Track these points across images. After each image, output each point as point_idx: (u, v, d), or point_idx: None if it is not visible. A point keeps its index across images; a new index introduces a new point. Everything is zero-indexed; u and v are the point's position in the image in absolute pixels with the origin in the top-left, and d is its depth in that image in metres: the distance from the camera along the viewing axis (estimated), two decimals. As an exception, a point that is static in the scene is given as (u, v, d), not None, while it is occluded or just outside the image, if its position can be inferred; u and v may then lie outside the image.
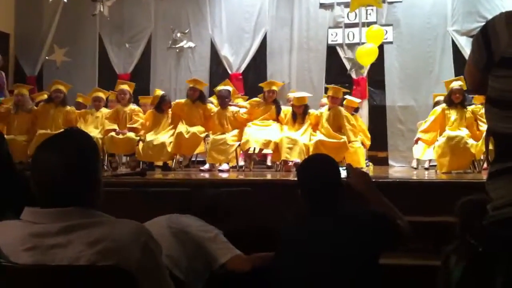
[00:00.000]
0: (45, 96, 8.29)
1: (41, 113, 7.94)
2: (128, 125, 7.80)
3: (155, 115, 7.88)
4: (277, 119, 7.80)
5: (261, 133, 7.44)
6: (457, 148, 6.73)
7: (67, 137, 1.59)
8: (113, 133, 7.62)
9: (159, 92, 8.09)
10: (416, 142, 7.64)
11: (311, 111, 7.83)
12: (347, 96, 8.12)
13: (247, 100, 8.53)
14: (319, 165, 2.60)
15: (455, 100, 7.18)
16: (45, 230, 1.45)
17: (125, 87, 8.10)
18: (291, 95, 8.53)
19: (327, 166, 2.55)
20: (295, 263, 2.36)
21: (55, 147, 1.54)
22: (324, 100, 8.40)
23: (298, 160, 6.80)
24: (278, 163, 7.41)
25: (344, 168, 2.74)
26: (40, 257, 1.43)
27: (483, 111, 6.75)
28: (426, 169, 7.80)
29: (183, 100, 8.01)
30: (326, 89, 8.37)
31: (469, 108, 7.31)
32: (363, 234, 2.30)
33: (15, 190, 2.02)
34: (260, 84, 8.22)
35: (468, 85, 1.88)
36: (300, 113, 7.65)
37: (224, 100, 7.78)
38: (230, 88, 8.00)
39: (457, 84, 7.18)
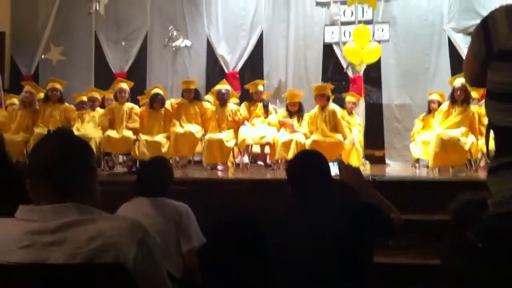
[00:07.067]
0: (42, 95, 8.24)
1: (40, 112, 7.89)
2: (127, 125, 7.74)
3: (150, 112, 7.88)
4: (266, 116, 7.78)
5: (256, 131, 7.46)
6: (448, 145, 6.78)
7: (61, 134, 1.61)
8: (109, 132, 7.58)
9: (156, 90, 8.02)
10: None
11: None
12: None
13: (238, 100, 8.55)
14: (307, 160, 2.60)
15: (457, 98, 7.17)
16: (42, 228, 1.45)
17: (124, 85, 8.02)
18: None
19: (316, 161, 2.55)
20: (286, 257, 2.35)
21: (50, 144, 1.55)
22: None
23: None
24: (274, 162, 7.43)
25: (336, 164, 2.74)
26: (36, 255, 1.42)
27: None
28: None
29: (179, 100, 7.98)
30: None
31: (473, 107, 7.26)
32: (356, 224, 2.30)
33: (11, 187, 2.01)
34: (246, 86, 8.23)
35: (467, 79, 1.87)
36: (294, 111, 7.63)
37: (224, 98, 7.77)
38: (229, 87, 8.00)
39: (459, 82, 7.12)
